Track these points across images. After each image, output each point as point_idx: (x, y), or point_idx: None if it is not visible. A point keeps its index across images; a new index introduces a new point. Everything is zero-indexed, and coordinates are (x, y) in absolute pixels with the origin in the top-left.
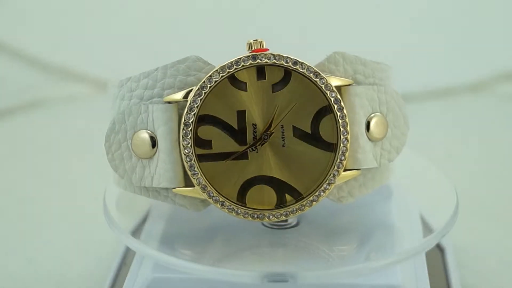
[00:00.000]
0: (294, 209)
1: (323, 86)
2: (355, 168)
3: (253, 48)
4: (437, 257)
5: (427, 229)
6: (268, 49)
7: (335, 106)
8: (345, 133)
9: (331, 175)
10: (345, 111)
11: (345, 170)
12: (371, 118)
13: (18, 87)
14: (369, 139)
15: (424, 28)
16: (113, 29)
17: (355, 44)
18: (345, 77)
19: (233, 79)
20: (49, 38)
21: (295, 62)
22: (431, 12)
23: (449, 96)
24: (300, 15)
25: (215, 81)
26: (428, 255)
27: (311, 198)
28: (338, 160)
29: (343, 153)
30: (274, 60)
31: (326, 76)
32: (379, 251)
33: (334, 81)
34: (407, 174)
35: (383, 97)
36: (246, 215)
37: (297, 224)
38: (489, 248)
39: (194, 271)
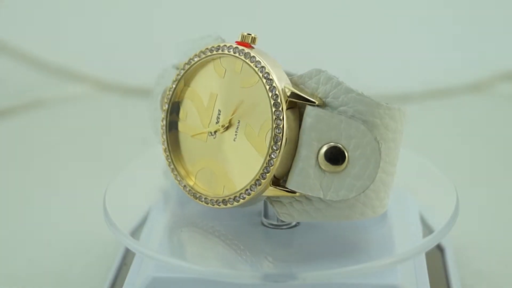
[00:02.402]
0: (225, 200)
1: (270, 94)
2: (293, 189)
3: (240, 40)
4: (437, 257)
5: (427, 229)
6: (252, 46)
7: (273, 117)
8: (276, 147)
9: (255, 182)
10: (283, 125)
11: (280, 186)
12: (323, 146)
13: (18, 87)
14: (320, 167)
15: (424, 28)
16: (113, 29)
17: (356, 45)
18: (314, 95)
19: (217, 63)
20: (49, 38)
21: (260, 65)
22: (431, 12)
23: (449, 96)
24: (300, 15)
25: (199, 59)
26: (428, 255)
27: (237, 197)
28: (263, 171)
29: (269, 165)
30: (244, 58)
31: (289, 87)
32: (379, 251)
33: (303, 94)
34: (407, 174)
35: (352, 132)
36: (190, 193)
37: (297, 225)
38: (489, 248)
39: (194, 271)
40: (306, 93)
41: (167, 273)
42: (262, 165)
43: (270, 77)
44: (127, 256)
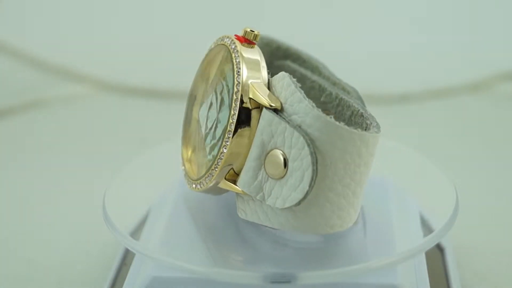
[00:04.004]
0: (196, 183)
1: (233, 90)
2: (239, 187)
3: (242, 36)
4: (437, 257)
5: (427, 229)
6: (253, 43)
7: (231, 112)
8: (227, 140)
9: (210, 172)
10: (235, 120)
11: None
12: (270, 151)
13: (18, 87)
14: (265, 170)
15: (425, 29)
16: (113, 30)
17: (356, 44)
18: (275, 100)
19: (219, 50)
20: (49, 38)
21: (237, 61)
22: (431, 13)
23: (449, 96)
24: (300, 15)
25: (212, 47)
26: (428, 255)
27: (201, 182)
28: (216, 162)
29: (220, 157)
30: (231, 52)
31: (254, 86)
32: (379, 251)
33: (261, 95)
34: (407, 173)
35: (293, 141)
36: (184, 175)
37: None
38: (489, 248)
39: (194, 271)
40: (270, 95)
41: (167, 273)
42: (216, 156)
43: (240, 73)
44: (127, 256)
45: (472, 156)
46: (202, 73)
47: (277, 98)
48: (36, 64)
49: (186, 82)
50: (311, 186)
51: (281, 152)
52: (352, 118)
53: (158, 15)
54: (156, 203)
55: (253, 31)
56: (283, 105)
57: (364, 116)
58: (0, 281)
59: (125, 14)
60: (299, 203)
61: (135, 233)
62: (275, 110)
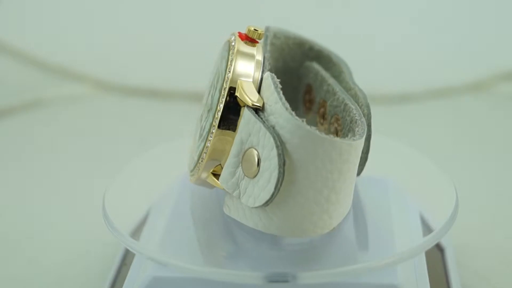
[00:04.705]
0: (190, 174)
1: (224, 86)
2: (220, 182)
3: (245, 33)
4: (437, 257)
5: (427, 228)
6: (256, 41)
7: (217, 108)
8: (211, 135)
9: (197, 165)
10: (220, 115)
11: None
12: (248, 149)
13: (18, 87)
14: (241, 167)
15: (425, 28)
16: (113, 29)
17: (356, 45)
18: (258, 99)
19: (223, 48)
20: (49, 38)
21: (232, 57)
22: (431, 12)
23: (449, 96)
24: (300, 15)
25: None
26: (428, 255)
27: (192, 173)
28: (202, 155)
29: (204, 151)
30: (229, 47)
31: (241, 85)
32: (379, 251)
33: (244, 94)
34: (406, 173)
35: (265, 141)
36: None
37: None
38: (489, 248)
39: (194, 271)
40: (254, 94)
41: (167, 273)
42: (201, 150)
43: (229, 71)
44: (127, 256)
45: (472, 156)
46: (213, 68)
47: (262, 97)
48: (36, 64)
49: (186, 82)
50: (277, 187)
51: (256, 151)
52: (351, 125)
53: (158, 15)
54: (156, 203)
55: (256, 30)
56: (265, 105)
57: (357, 123)
58: (0, 281)
59: (125, 14)
60: (266, 203)
61: (135, 233)
62: (257, 109)
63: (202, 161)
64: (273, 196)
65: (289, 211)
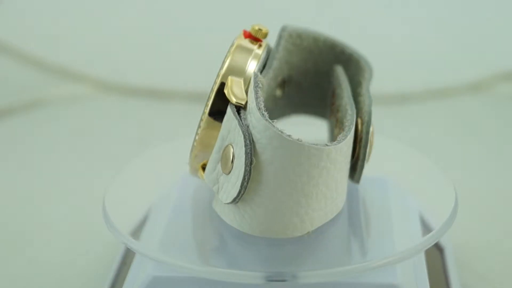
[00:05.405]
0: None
1: (216, 80)
2: (204, 174)
3: (249, 32)
4: (436, 257)
5: (426, 228)
6: (259, 39)
7: (207, 102)
8: (198, 130)
9: (190, 157)
10: (208, 109)
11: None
12: (227, 146)
13: (18, 87)
14: (220, 163)
15: (425, 28)
16: (113, 29)
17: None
18: (241, 97)
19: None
20: (49, 38)
21: (229, 54)
22: (431, 12)
23: (449, 96)
24: (299, 15)
25: None
26: (428, 254)
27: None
28: (192, 147)
29: (193, 145)
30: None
31: (229, 82)
32: (378, 250)
33: (230, 91)
34: (406, 173)
35: (238, 139)
36: None
37: None
38: (489, 248)
39: (194, 271)
40: (240, 92)
41: (167, 272)
42: (194, 138)
43: (222, 67)
44: (127, 256)
45: (472, 156)
46: None
47: (246, 96)
48: (36, 64)
49: (186, 82)
50: (243, 186)
51: (232, 148)
52: (346, 129)
53: (158, 15)
54: (156, 203)
55: (261, 29)
56: (247, 104)
57: (345, 129)
58: (0, 281)
59: (125, 14)
60: (234, 201)
61: (135, 233)
62: (239, 107)
63: (193, 149)
64: (239, 194)
65: (259, 211)
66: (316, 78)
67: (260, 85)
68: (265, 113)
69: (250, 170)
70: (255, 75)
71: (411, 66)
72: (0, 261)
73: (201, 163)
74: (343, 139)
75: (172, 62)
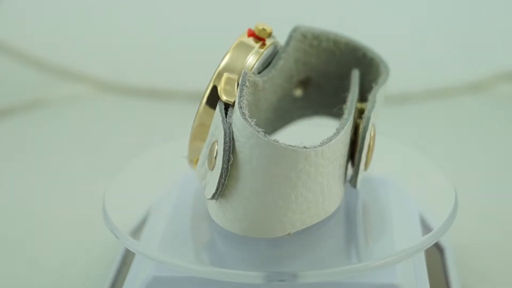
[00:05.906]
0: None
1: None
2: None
3: (254, 31)
4: (436, 257)
5: (426, 228)
6: (262, 39)
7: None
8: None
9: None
10: (200, 110)
11: None
12: (214, 142)
13: (18, 87)
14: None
15: (424, 28)
16: (113, 29)
17: None
18: (231, 95)
19: None
20: (49, 38)
21: (227, 51)
22: (431, 13)
23: (449, 96)
24: (299, 14)
25: None
26: (428, 254)
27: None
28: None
29: (189, 140)
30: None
31: (226, 79)
32: (378, 250)
33: (221, 88)
34: (406, 173)
35: (221, 137)
36: None
37: None
38: (489, 248)
39: (194, 271)
40: (231, 90)
41: (167, 272)
42: (189, 138)
43: (219, 65)
44: (127, 256)
45: (472, 156)
46: None
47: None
48: (36, 64)
49: (186, 82)
50: (220, 183)
51: (217, 145)
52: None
53: (158, 14)
54: (156, 203)
55: (265, 29)
56: (235, 102)
57: (334, 133)
58: (0, 281)
59: (125, 14)
60: (212, 197)
61: (135, 233)
62: (227, 105)
63: (189, 139)
64: (217, 191)
65: (238, 209)
66: (338, 80)
67: (247, 84)
68: (246, 112)
69: (228, 167)
70: (244, 73)
71: (411, 66)
72: (0, 261)
73: (196, 158)
74: (326, 143)
75: (172, 62)
